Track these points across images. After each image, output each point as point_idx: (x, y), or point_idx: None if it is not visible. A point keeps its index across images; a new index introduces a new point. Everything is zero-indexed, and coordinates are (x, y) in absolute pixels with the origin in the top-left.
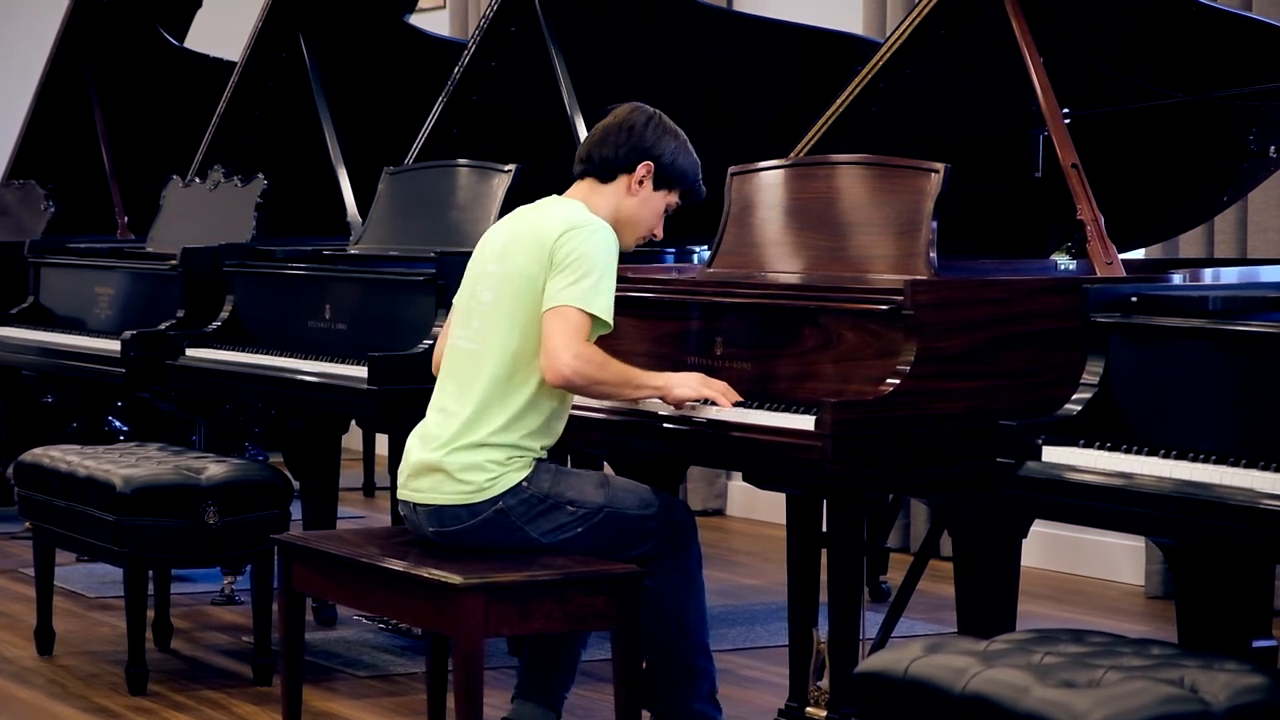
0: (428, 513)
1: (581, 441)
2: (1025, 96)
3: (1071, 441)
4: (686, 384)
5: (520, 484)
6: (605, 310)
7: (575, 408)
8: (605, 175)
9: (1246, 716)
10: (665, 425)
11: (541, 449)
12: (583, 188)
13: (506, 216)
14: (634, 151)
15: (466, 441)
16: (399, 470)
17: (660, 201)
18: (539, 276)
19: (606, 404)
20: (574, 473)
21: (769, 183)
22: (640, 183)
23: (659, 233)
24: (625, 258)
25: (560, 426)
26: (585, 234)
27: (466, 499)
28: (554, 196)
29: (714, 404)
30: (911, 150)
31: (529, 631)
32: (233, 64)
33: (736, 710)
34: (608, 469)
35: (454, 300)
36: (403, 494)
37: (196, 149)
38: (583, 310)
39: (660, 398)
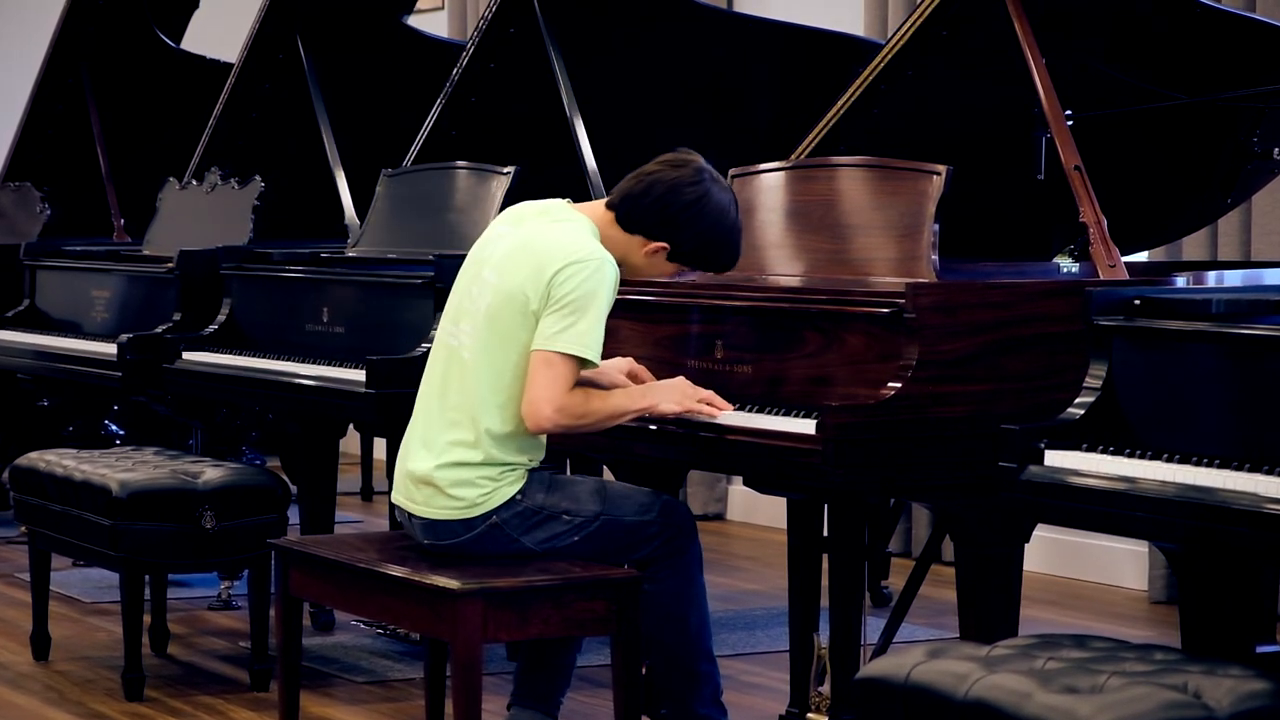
0: (422, 525)
1: (582, 446)
2: (1027, 98)
3: (1074, 445)
4: (672, 399)
5: (514, 497)
6: (595, 351)
7: None
8: (627, 227)
9: None
10: (666, 430)
11: (531, 460)
12: (604, 216)
13: (514, 211)
14: (657, 229)
15: (458, 459)
16: (395, 472)
17: (673, 269)
18: (534, 303)
19: None
20: (568, 481)
21: (769, 185)
22: (654, 253)
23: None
24: None
25: (545, 436)
26: (586, 273)
27: (460, 514)
28: (568, 207)
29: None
30: (913, 152)
31: (527, 637)
32: (230, 65)
33: (738, 715)
34: (607, 474)
35: (454, 284)
36: (397, 499)
37: (193, 151)
38: (572, 356)
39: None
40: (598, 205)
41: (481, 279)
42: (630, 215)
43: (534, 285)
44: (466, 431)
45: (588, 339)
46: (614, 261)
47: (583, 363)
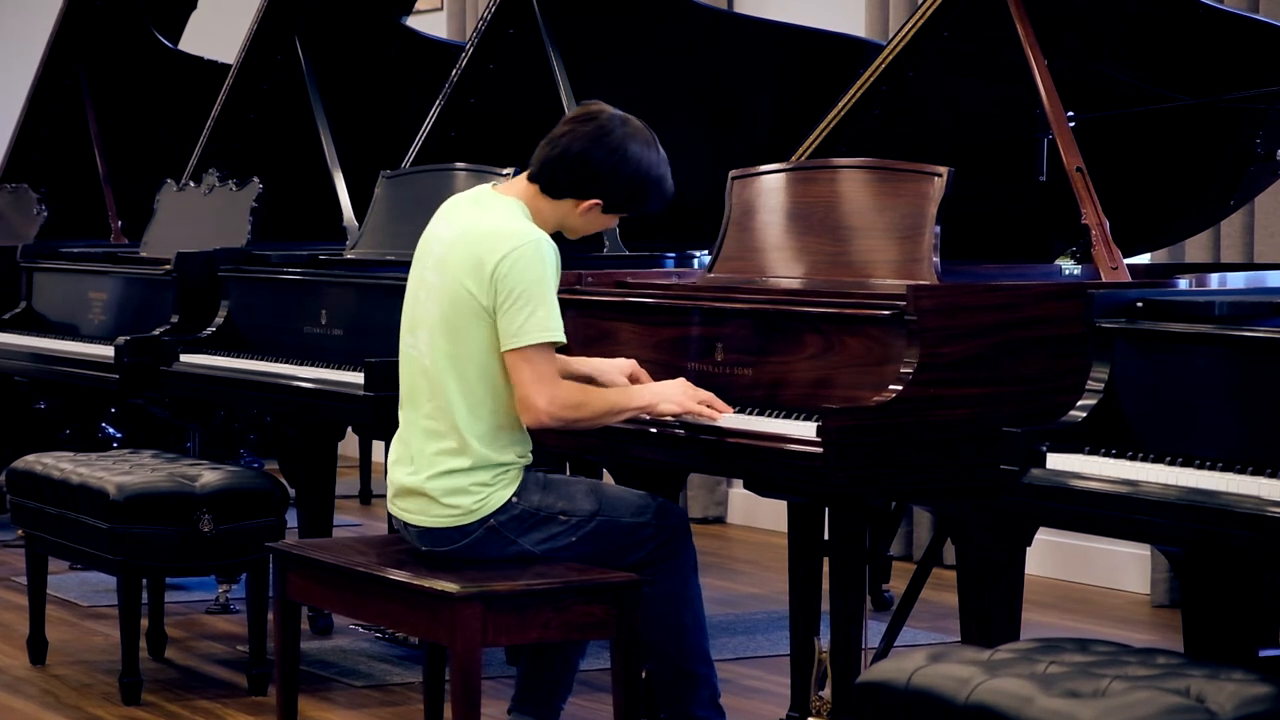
0: (418, 532)
1: (581, 449)
2: (1029, 99)
3: (1076, 448)
4: (671, 400)
5: (510, 500)
6: (559, 331)
7: None
8: (553, 193)
9: None
10: (666, 433)
11: (520, 456)
12: (529, 190)
13: (447, 206)
14: (585, 186)
15: (448, 467)
16: (387, 484)
17: (607, 221)
18: (482, 298)
19: None
20: (563, 481)
21: (770, 187)
22: (588, 210)
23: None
24: (625, 263)
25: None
26: (526, 260)
27: (455, 521)
28: (494, 192)
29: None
30: (914, 154)
31: (527, 641)
32: (227, 66)
33: (738, 719)
34: (607, 477)
35: (405, 293)
36: (392, 509)
37: (191, 152)
38: (544, 344)
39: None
40: (521, 180)
41: (426, 283)
42: (554, 182)
43: (477, 282)
44: (449, 440)
45: (550, 322)
46: (549, 239)
47: (555, 346)
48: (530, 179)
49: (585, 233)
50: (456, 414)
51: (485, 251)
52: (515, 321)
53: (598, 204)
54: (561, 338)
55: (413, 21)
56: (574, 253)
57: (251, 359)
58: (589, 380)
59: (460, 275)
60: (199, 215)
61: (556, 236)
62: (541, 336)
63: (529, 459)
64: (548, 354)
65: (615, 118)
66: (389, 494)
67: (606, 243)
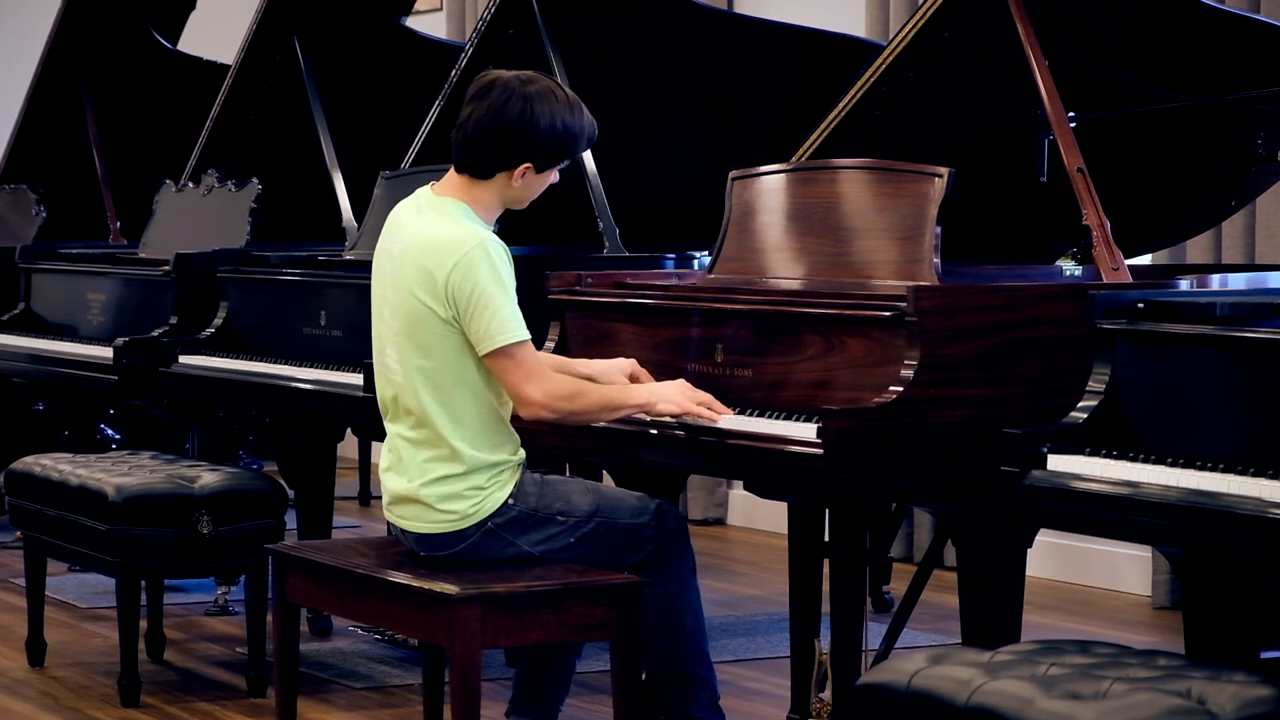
0: (415, 538)
1: (581, 450)
2: (1030, 100)
3: (1077, 450)
4: (670, 400)
5: (506, 502)
6: (523, 326)
7: None
8: (483, 174)
9: None
10: (666, 434)
11: (512, 454)
12: (461, 183)
13: (393, 218)
14: (510, 155)
15: (440, 474)
16: (382, 492)
17: (546, 179)
18: (441, 310)
19: None
20: (561, 481)
21: (770, 187)
22: (522, 176)
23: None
24: (625, 264)
25: (508, 415)
26: (475, 263)
27: (453, 526)
28: (431, 194)
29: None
30: (915, 154)
31: (526, 642)
32: (226, 67)
33: None
34: (607, 479)
35: (371, 309)
36: (388, 516)
37: (190, 153)
38: (518, 341)
39: (644, 414)
40: (451, 176)
41: (386, 299)
42: (480, 163)
43: (432, 295)
44: (438, 448)
45: (513, 320)
46: (495, 238)
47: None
48: (458, 170)
49: (530, 198)
50: (439, 424)
51: (434, 264)
52: (482, 325)
53: (529, 167)
54: (525, 335)
55: (412, 22)
56: (574, 253)
57: (250, 360)
58: (590, 380)
59: (415, 290)
60: (198, 216)
61: (523, 219)
62: (512, 336)
63: (522, 455)
64: (525, 349)
65: (511, 79)
66: (384, 501)
67: (607, 243)
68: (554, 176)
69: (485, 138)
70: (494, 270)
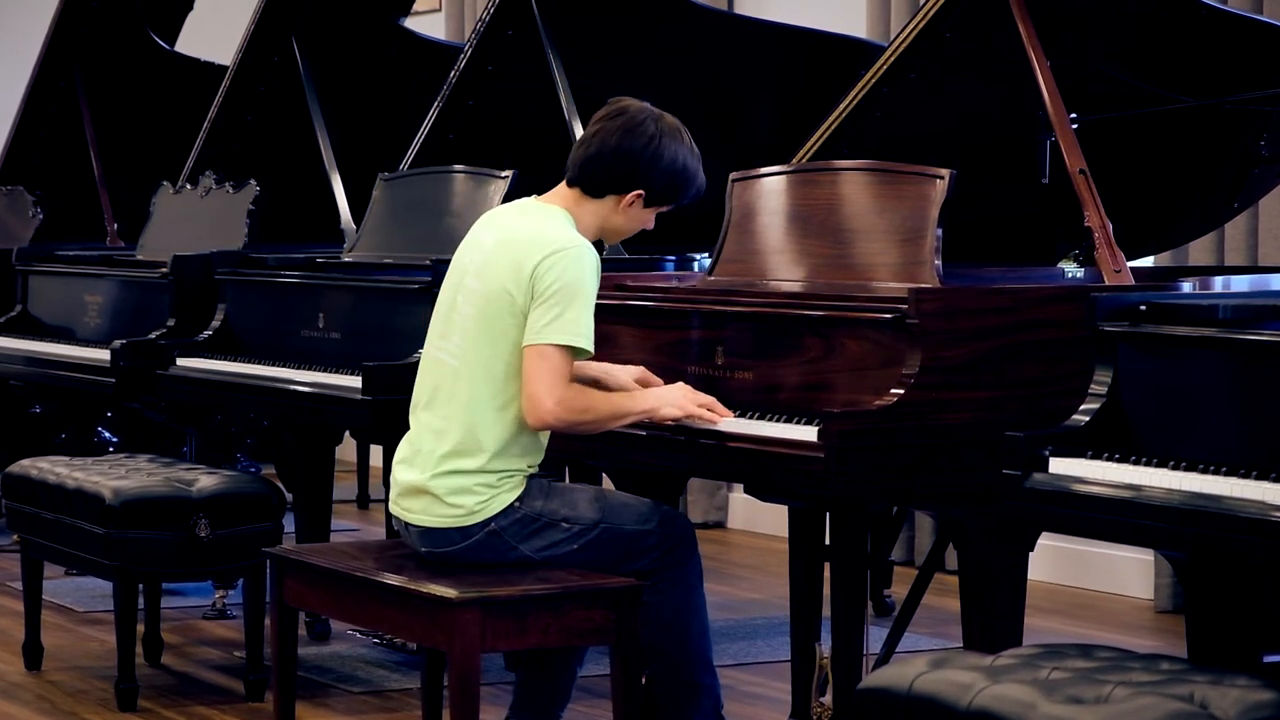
0: (419, 533)
1: (581, 453)
2: (1032, 101)
3: (1079, 453)
4: (673, 404)
5: (512, 504)
6: (587, 339)
7: None
8: (595, 192)
9: None
10: (666, 437)
11: (530, 466)
12: (570, 196)
13: (489, 215)
14: (626, 179)
15: (454, 467)
16: (390, 482)
17: (651, 215)
18: (519, 298)
19: None
20: (567, 488)
21: (771, 189)
22: (630, 204)
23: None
24: (625, 266)
25: (546, 439)
26: (566, 261)
27: (457, 522)
28: (537, 201)
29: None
30: (916, 156)
31: (526, 646)
32: (224, 68)
33: None
34: (607, 482)
35: (437, 300)
36: (394, 510)
37: (187, 154)
38: (565, 347)
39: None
40: (560, 189)
41: (466, 288)
42: (595, 180)
43: (515, 282)
44: (461, 441)
45: (578, 327)
46: (592, 248)
47: (576, 352)
48: (570, 184)
49: (627, 233)
50: (479, 415)
51: (526, 253)
52: (543, 318)
53: (640, 195)
54: (586, 345)
55: (411, 23)
56: None
57: (248, 362)
58: (597, 382)
59: (501, 278)
60: (196, 217)
61: (597, 246)
62: (564, 338)
63: (536, 471)
64: (566, 358)
65: (645, 109)
66: (391, 494)
67: (606, 246)
68: (651, 221)
69: (609, 156)
70: (581, 273)
